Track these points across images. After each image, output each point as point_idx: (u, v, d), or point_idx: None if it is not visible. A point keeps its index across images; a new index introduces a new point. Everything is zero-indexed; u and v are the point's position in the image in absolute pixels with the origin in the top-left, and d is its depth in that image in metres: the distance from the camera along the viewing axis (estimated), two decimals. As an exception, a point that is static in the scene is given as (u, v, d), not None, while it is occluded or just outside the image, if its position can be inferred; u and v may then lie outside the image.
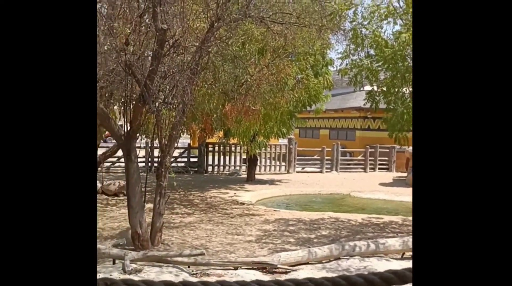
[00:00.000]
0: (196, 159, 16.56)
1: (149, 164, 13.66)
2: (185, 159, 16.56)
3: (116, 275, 5.02)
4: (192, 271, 5.32)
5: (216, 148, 16.48)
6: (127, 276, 5.00)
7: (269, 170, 17.19)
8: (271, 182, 14.56)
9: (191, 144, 17.01)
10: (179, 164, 16.01)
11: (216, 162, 16.64)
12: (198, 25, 6.32)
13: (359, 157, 19.56)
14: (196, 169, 16.27)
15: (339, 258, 5.98)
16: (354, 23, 8.29)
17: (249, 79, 8.19)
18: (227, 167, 16.77)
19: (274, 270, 5.50)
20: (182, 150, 16.35)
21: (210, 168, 16.56)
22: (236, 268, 5.47)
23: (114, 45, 4.89)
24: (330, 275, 5.63)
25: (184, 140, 17.11)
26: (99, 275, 5.02)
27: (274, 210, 9.83)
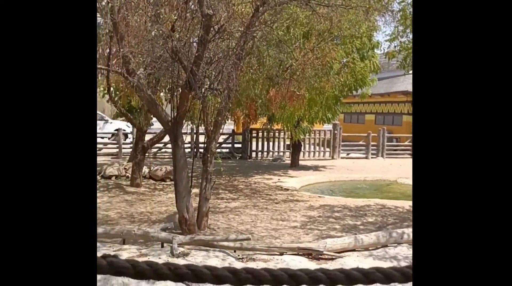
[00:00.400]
0: (240, 145, 16.67)
1: (195, 149, 13.87)
2: (229, 145, 16.70)
3: (165, 258, 5.13)
4: (238, 255, 5.36)
5: (260, 134, 16.51)
6: (175, 259, 5.11)
7: (313, 156, 17.06)
8: (315, 168, 14.45)
9: (235, 130, 17.11)
10: (223, 150, 16.16)
11: (260, 148, 16.68)
12: (243, 9, 6.27)
13: (406, 143, 19.05)
14: (240, 154, 16.38)
15: (387, 246, 5.86)
16: (403, 3, 8.00)
17: (294, 64, 8.09)
18: (270, 153, 16.78)
19: (320, 256, 5.47)
20: (226, 136, 16.49)
21: (254, 154, 16.63)
22: (281, 254, 5.47)
23: (161, 31, 4.93)
24: (377, 262, 5.54)
25: (228, 126, 17.26)
26: (148, 258, 5.15)
27: (319, 196, 9.75)
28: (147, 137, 10.73)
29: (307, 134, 14.17)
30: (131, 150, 13.13)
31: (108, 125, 21.34)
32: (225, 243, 5.54)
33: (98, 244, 5.62)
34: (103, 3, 5.28)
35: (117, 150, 15.63)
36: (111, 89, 9.86)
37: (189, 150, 12.96)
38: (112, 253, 4.47)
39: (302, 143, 15.25)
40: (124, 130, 17.69)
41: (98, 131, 20.36)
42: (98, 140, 17.67)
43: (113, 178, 10.62)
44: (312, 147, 17.21)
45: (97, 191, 9.47)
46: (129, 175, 10.32)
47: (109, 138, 17.83)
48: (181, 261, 5.06)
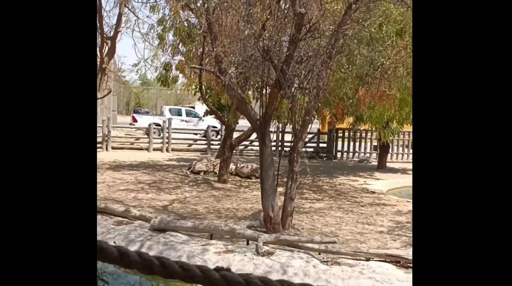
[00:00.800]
0: (325, 145, 16.46)
1: (280, 148, 13.94)
2: (314, 144, 16.56)
3: (250, 255, 5.19)
4: (323, 258, 5.28)
5: (346, 133, 16.17)
6: (260, 258, 5.14)
7: (401, 158, 16.38)
8: (403, 171, 13.85)
9: (321, 129, 16.93)
10: (307, 149, 16.07)
11: (345, 148, 16.35)
12: (335, 7, 6.15)
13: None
14: (325, 154, 16.18)
15: (484, 259, 5.44)
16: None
17: (385, 62, 7.79)
18: (356, 154, 16.38)
19: (408, 265, 5.21)
20: (311, 135, 16.38)
21: (339, 154, 16.33)
22: (368, 259, 5.30)
23: (252, 31, 4.97)
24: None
25: (313, 125, 17.11)
26: (234, 255, 5.24)
27: (407, 201, 9.32)
28: (235, 135, 10.95)
29: (396, 135, 13.61)
30: (219, 146, 13.51)
31: (201, 122, 22.24)
32: (310, 245, 5.48)
33: (187, 237, 5.84)
34: (198, 4, 5.45)
35: (206, 146, 16.16)
36: (203, 87, 10.19)
37: (274, 148, 13.04)
38: (200, 248, 4.55)
39: (390, 145, 14.69)
40: (215, 127, 18.26)
41: (192, 127, 21.29)
42: (191, 136, 18.40)
43: (202, 173, 10.98)
44: (400, 149, 16.52)
45: (187, 185, 9.85)
46: (217, 171, 10.60)
47: (201, 135, 18.51)
48: (265, 260, 5.08)
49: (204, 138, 17.19)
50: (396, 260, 5.27)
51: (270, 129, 6.60)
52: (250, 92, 9.09)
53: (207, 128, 17.20)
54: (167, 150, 15.95)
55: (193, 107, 26.94)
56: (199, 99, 11.30)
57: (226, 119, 10.69)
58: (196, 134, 19.10)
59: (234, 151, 10.72)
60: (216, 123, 19.11)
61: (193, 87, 11.02)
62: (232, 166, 10.87)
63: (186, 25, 9.11)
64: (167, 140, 16.04)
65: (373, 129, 13.03)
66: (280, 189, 7.22)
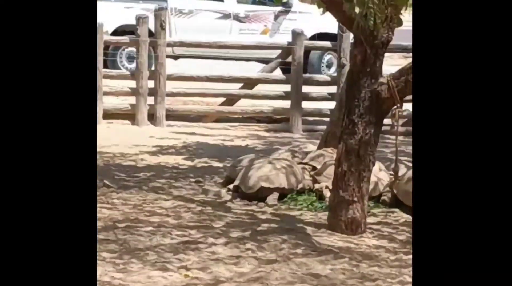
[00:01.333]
0: None
1: None
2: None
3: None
4: None
5: None
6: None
7: None
8: None
9: None
10: None
11: None
12: None
13: None
14: None
15: None
16: None
17: None
18: None
19: None
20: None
21: None
22: None
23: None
24: None
25: None
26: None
27: None
28: (388, 68, 4.31)
29: None
30: (335, 103, 6.98)
31: (293, 21, 14.74)
32: None
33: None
34: None
35: (291, 102, 9.05)
36: None
37: None
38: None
39: None
40: (326, 37, 10.99)
41: (255, 42, 13.28)
42: (251, 66, 10.66)
43: (274, 199, 4.92)
44: None
45: (222, 238, 4.36)
46: (324, 190, 4.84)
47: (274, 66, 11.22)
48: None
49: (284, 74, 7.52)
50: None
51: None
52: None
53: (293, 39, 6.97)
54: (157, 120, 6.70)
55: None
56: None
57: (359, 19, 3.23)
58: (266, 60, 7.88)
59: (392, 120, 3.34)
60: (325, 26, 7.85)
61: None
62: (379, 173, 3.55)
63: None
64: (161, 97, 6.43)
65: None
66: None
